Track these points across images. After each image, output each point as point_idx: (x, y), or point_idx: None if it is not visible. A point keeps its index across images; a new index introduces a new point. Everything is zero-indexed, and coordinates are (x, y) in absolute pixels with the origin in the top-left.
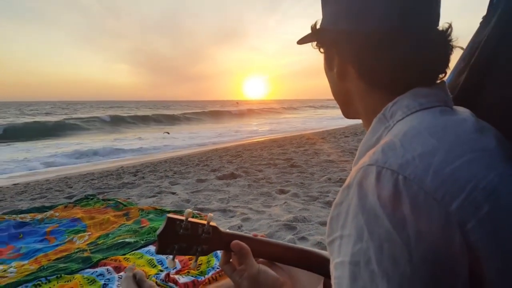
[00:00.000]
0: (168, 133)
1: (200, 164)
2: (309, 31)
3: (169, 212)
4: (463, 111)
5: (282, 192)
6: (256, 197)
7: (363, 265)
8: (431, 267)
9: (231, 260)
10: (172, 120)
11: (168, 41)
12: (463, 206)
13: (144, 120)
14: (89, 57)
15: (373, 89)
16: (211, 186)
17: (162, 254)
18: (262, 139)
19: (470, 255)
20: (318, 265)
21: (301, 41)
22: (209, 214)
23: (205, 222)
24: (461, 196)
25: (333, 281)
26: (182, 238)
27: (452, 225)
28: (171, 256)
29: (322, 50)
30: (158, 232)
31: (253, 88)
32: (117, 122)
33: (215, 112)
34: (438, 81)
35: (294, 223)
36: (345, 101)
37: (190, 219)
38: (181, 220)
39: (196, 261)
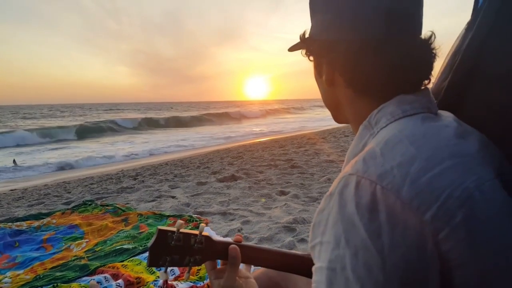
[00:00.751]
0: (15, 163)
1: (201, 167)
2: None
3: (168, 216)
4: (446, 117)
5: (282, 193)
6: (256, 199)
7: (339, 271)
8: (403, 275)
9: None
10: (178, 121)
11: (169, 42)
12: (437, 216)
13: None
14: (88, 60)
15: (360, 96)
16: (211, 189)
17: (154, 266)
18: (264, 139)
19: (442, 263)
20: None
21: (292, 49)
22: (201, 224)
23: (197, 232)
24: (435, 206)
25: (312, 285)
26: (174, 249)
27: (425, 235)
28: (163, 269)
29: (311, 58)
30: (149, 244)
31: (256, 88)
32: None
33: (224, 114)
34: (423, 88)
35: (293, 225)
36: (334, 107)
37: (181, 230)
38: (173, 232)
39: (189, 272)
